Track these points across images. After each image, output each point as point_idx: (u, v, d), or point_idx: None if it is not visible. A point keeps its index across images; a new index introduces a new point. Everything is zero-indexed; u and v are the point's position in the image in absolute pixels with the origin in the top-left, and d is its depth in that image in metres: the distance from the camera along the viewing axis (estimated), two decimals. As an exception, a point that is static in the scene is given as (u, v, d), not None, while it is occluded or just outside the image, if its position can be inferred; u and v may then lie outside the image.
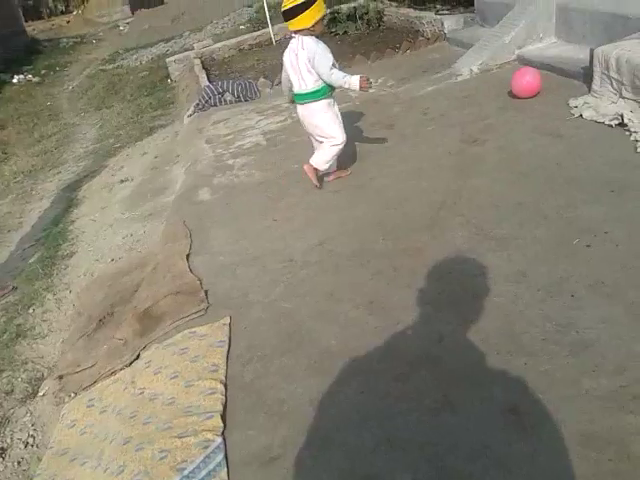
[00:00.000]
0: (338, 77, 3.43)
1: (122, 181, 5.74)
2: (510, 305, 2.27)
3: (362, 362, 2.21)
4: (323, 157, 3.69)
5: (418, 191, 3.42)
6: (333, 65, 3.46)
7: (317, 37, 3.49)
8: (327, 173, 3.88)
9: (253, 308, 2.72)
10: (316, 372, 2.21)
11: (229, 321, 2.67)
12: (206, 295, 2.90)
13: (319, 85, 3.53)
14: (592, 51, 4.00)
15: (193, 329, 2.71)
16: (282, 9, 3.43)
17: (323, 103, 3.58)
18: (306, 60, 3.46)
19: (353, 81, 3.39)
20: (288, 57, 3.58)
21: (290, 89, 3.73)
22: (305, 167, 3.73)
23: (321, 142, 3.72)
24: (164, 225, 4.05)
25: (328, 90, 3.57)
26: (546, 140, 3.62)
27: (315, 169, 3.70)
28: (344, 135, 3.66)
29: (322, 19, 3.47)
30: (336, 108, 3.70)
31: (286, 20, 3.46)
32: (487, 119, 4.19)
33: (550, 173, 3.20)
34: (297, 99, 3.66)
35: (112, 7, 30.45)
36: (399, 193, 3.47)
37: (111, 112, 9.42)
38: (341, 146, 3.67)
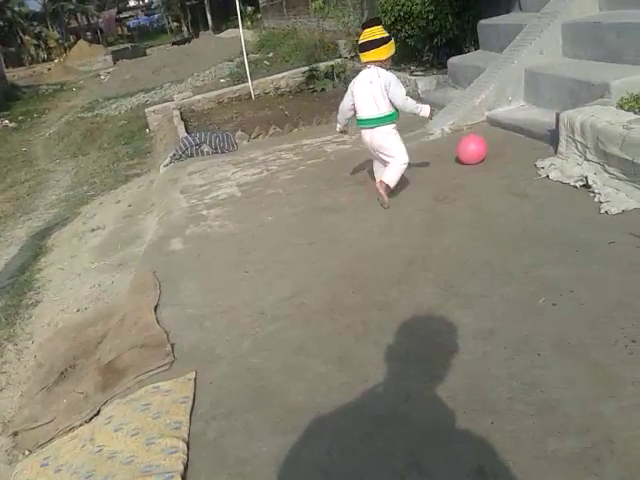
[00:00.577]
0: (412, 104, 4.01)
1: (93, 230, 5.69)
2: (477, 363, 2.27)
3: (329, 420, 2.17)
4: (394, 175, 4.03)
5: (389, 246, 3.46)
6: (407, 93, 4.01)
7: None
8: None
9: (220, 363, 2.67)
10: (281, 430, 2.16)
11: (194, 376, 2.61)
12: (172, 349, 2.84)
13: (391, 110, 3.96)
14: (558, 115, 4.16)
15: (157, 384, 2.64)
16: (361, 41, 3.92)
17: (391, 127, 4.02)
18: (382, 87, 3.88)
19: (425, 109, 4.04)
20: (360, 85, 3.99)
21: (348, 117, 4.22)
22: (377, 184, 4.05)
23: (387, 162, 4.07)
24: (133, 275, 3.99)
25: (397, 115, 4.04)
26: (514, 200, 3.71)
27: (387, 186, 4.00)
28: (407, 155, 4.04)
29: (392, 57, 4.01)
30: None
31: (363, 51, 3.95)
32: (457, 178, 4.29)
33: (517, 232, 3.27)
34: (366, 123, 4.03)
35: (94, 57, 30.91)
36: (370, 247, 3.50)
37: (87, 159, 9.43)
38: (406, 165, 4.05)
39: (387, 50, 3.90)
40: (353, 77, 8.67)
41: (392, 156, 4.03)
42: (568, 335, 2.32)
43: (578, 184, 3.69)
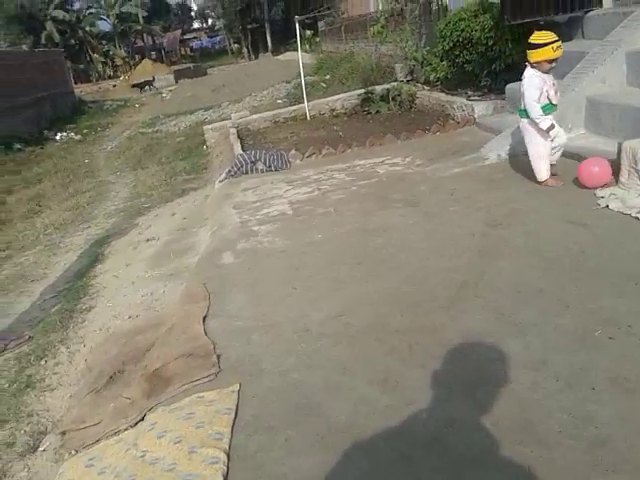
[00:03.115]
0: (535, 112, 4.27)
1: (148, 240, 5.85)
2: (527, 393, 2.20)
3: (370, 441, 2.14)
4: (534, 165, 4.45)
5: (439, 269, 3.41)
6: (536, 100, 4.26)
7: (539, 72, 4.29)
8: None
9: (264, 377, 2.68)
10: (322, 448, 2.14)
11: (238, 388, 2.62)
12: (218, 360, 2.87)
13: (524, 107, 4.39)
14: (620, 145, 4.05)
15: (201, 394, 2.67)
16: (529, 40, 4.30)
17: (527, 121, 4.39)
18: (522, 86, 4.37)
19: (546, 122, 4.26)
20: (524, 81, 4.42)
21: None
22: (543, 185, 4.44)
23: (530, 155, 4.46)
24: (184, 286, 4.07)
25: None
26: (571, 228, 3.61)
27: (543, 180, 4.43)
28: (547, 142, 4.37)
29: (548, 62, 4.25)
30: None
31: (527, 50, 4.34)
32: (512, 203, 4.21)
33: (574, 261, 3.17)
34: (518, 113, 4.52)
35: (157, 75, 32.02)
36: (419, 270, 3.46)
37: (146, 173, 9.74)
38: (545, 159, 4.40)
39: (537, 54, 4.24)
40: (409, 101, 8.70)
41: (529, 146, 4.45)
42: (625, 371, 2.22)
43: (639, 216, 3.56)
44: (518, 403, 2.16)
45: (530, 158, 4.49)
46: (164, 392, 2.83)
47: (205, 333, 3.17)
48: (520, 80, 4.39)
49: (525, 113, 4.40)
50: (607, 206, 3.80)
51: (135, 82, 30.73)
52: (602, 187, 4.15)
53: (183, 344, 3.14)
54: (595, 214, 3.74)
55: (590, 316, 2.63)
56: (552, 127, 4.29)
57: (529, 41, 4.30)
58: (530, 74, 4.33)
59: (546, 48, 4.21)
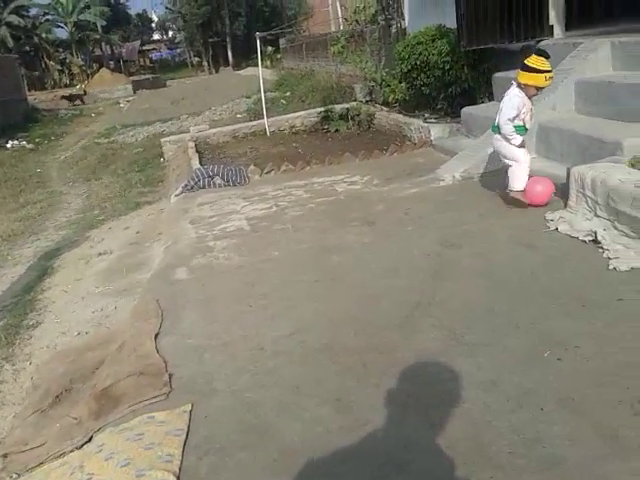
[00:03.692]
0: (508, 128, 4.41)
1: (100, 254, 5.71)
2: (479, 414, 2.23)
3: (324, 463, 2.12)
4: (513, 177, 4.48)
5: (393, 289, 3.44)
6: (511, 119, 4.38)
7: (523, 94, 4.38)
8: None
9: (217, 396, 2.64)
10: (275, 471, 2.11)
11: (190, 408, 2.57)
12: (170, 379, 2.81)
13: None
14: (569, 170, 4.18)
15: (152, 414, 2.60)
16: (523, 61, 4.37)
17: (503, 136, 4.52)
18: (502, 102, 4.48)
19: (518, 138, 4.44)
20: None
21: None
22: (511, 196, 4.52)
23: (510, 165, 4.52)
24: (136, 302, 3.98)
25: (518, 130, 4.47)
26: (522, 250, 3.70)
27: (515, 192, 4.48)
28: (526, 156, 4.50)
29: (535, 89, 4.37)
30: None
31: (520, 70, 4.41)
32: (466, 225, 4.30)
33: (524, 283, 3.25)
34: (493, 129, 4.65)
35: (115, 85, 31.58)
36: (375, 289, 3.48)
37: (100, 184, 9.54)
38: (524, 165, 4.45)
39: (524, 77, 4.34)
40: (368, 121, 8.84)
41: (510, 159, 4.53)
42: (572, 391, 2.27)
43: (587, 239, 3.68)
44: (471, 423, 2.18)
45: (510, 168, 4.52)
46: (113, 412, 2.75)
47: (157, 351, 3.10)
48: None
49: (498, 129, 4.52)
50: (556, 229, 3.92)
51: (64, 94, 30.00)
52: (545, 204, 4.36)
53: (134, 362, 3.06)
54: (545, 237, 3.85)
55: (539, 337, 2.69)
56: (523, 145, 4.48)
57: (526, 63, 4.33)
58: (514, 93, 4.41)
59: (540, 75, 4.28)
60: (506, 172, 4.63)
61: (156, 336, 3.28)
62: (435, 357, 2.66)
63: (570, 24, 6.98)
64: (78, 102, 29.00)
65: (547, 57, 4.35)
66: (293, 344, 2.98)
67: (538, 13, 6.62)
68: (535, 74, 4.29)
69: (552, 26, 6.71)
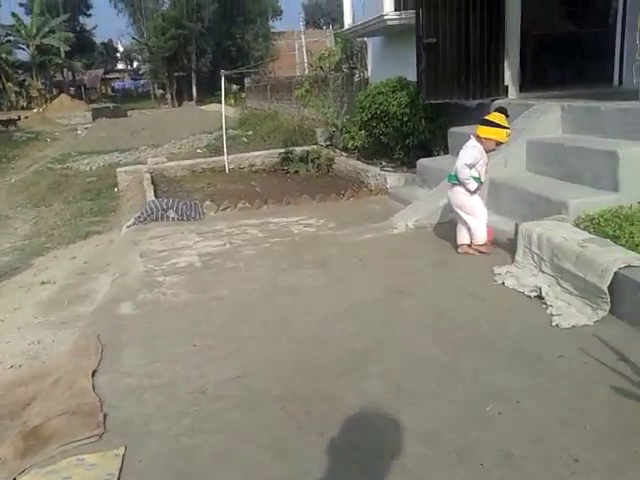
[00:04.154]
0: (465, 173, 4.54)
1: (43, 283, 5.51)
2: (419, 468, 2.20)
3: (259, 515, 2.05)
4: (476, 233, 4.60)
5: (343, 334, 3.42)
6: (469, 165, 4.53)
7: (481, 147, 4.58)
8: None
9: (153, 440, 2.53)
10: (207, 522, 2.02)
11: (123, 452, 2.45)
12: (104, 419, 2.69)
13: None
14: (517, 226, 4.32)
15: (82, 456, 2.47)
16: (485, 117, 4.63)
17: (460, 187, 4.63)
18: (461, 153, 4.63)
19: (473, 184, 4.56)
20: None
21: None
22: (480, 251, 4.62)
23: (466, 221, 4.62)
24: (76, 336, 3.83)
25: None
26: (470, 302, 3.77)
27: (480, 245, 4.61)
28: (484, 209, 4.65)
29: (495, 144, 4.59)
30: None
31: (478, 125, 4.63)
32: (417, 273, 4.35)
33: (470, 335, 3.29)
34: (448, 179, 4.76)
35: (74, 111, 31.19)
36: (324, 333, 3.46)
37: (49, 211, 9.30)
38: (483, 219, 4.60)
39: (487, 132, 4.55)
40: (327, 165, 8.99)
41: (469, 214, 4.61)
42: (512, 447, 2.28)
43: (532, 294, 3.77)
44: (411, 477, 2.16)
45: (467, 223, 4.63)
46: (41, 452, 2.59)
47: (93, 389, 2.97)
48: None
49: (455, 178, 4.64)
50: (503, 283, 4.01)
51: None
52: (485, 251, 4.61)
53: (68, 400, 2.92)
54: (492, 290, 3.93)
55: (482, 389, 2.71)
56: (478, 189, 4.63)
57: (488, 119, 4.57)
58: (473, 144, 4.60)
59: (502, 131, 4.52)
60: (457, 224, 4.74)
61: (94, 373, 3.15)
62: (380, 407, 2.64)
63: (524, 86, 7.34)
64: (12, 127, 28.36)
65: (507, 116, 4.61)
66: (237, 388, 2.91)
67: (494, 73, 6.94)
68: (498, 129, 4.52)
69: (507, 86, 7.02)
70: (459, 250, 4.70)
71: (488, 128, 4.55)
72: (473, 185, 4.58)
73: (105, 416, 2.71)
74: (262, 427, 2.56)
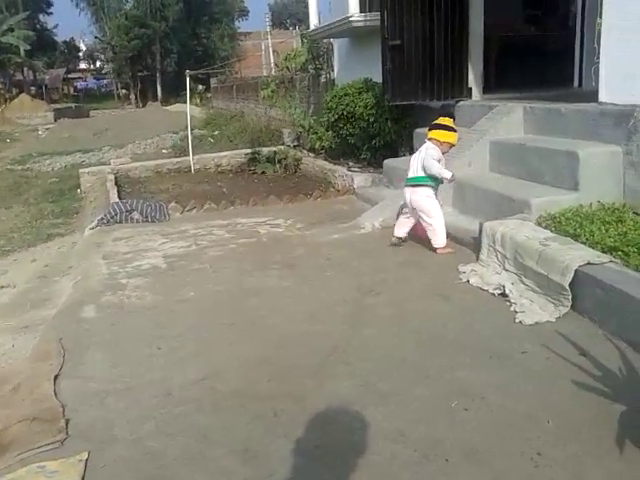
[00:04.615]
0: (436, 167, 4.69)
1: (2, 287, 5.35)
2: (386, 465, 2.21)
3: (226, 518, 2.02)
4: (434, 234, 4.72)
5: (309, 334, 3.42)
6: (435, 159, 4.72)
7: (438, 149, 4.77)
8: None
9: (117, 444, 2.48)
10: (173, 526, 1.99)
11: (86, 457, 2.40)
12: (66, 424, 2.62)
13: (424, 174, 4.77)
14: (481, 224, 4.38)
15: (42, 463, 2.40)
16: (436, 122, 4.83)
17: (427, 189, 4.78)
18: (423, 157, 4.75)
19: (447, 172, 4.72)
20: (415, 153, 4.93)
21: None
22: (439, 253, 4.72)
23: (425, 222, 4.76)
24: (37, 340, 3.74)
25: (431, 181, 4.78)
26: (435, 300, 3.80)
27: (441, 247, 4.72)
28: (440, 211, 4.77)
29: (449, 146, 4.86)
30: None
31: (431, 129, 4.84)
32: (383, 272, 4.37)
33: (436, 333, 3.32)
34: (407, 182, 4.89)
35: (35, 111, 30.45)
36: (291, 334, 3.45)
37: (8, 213, 9.03)
38: (440, 219, 4.73)
39: (445, 135, 4.77)
40: (294, 165, 9.03)
41: (426, 214, 4.73)
42: (477, 442, 2.31)
43: (496, 292, 3.83)
44: (377, 475, 2.16)
45: (430, 225, 4.73)
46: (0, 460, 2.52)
47: (55, 394, 2.90)
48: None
49: (418, 179, 4.78)
50: (468, 281, 4.07)
51: None
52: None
53: (28, 406, 2.84)
54: (457, 288, 3.98)
55: (448, 387, 2.74)
56: (454, 177, 4.80)
57: (443, 123, 4.80)
58: (431, 146, 4.78)
59: (454, 134, 4.82)
60: (399, 218, 5.07)
61: (55, 378, 3.07)
62: (347, 405, 2.64)
63: (487, 87, 7.46)
64: None
65: (454, 119, 4.92)
66: (202, 390, 2.87)
67: (458, 75, 7.04)
68: (452, 133, 4.81)
69: (471, 88, 7.13)
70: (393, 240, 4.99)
71: (446, 132, 4.76)
72: (448, 173, 4.73)
73: (67, 421, 2.65)
74: (228, 429, 2.54)
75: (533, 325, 3.33)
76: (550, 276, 3.52)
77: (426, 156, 4.73)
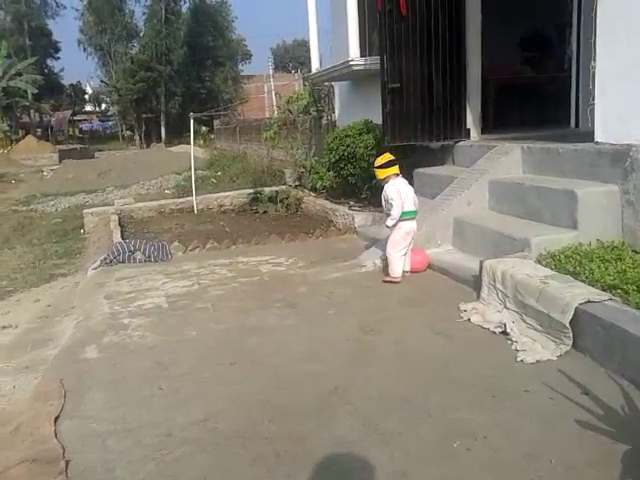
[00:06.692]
0: (397, 212, 5.13)
1: (4, 327, 5.36)
2: (389, 507, 2.19)
3: None
4: (395, 262, 5.13)
5: (311, 374, 3.41)
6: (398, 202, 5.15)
7: (393, 184, 5.25)
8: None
9: (117, 486, 2.46)
10: None
11: (86, 500, 2.38)
12: (66, 466, 2.61)
13: None
14: (481, 263, 4.41)
15: (41, 506, 2.38)
16: (384, 161, 5.29)
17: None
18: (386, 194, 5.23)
19: (391, 221, 5.17)
20: (405, 187, 5.28)
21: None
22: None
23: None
24: (38, 381, 3.73)
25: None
26: (437, 339, 3.80)
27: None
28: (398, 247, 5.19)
29: (394, 175, 5.29)
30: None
31: (388, 167, 5.27)
32: (385, 311, 4.38)
33: (438, 372, 3.31)
34: (413, 215, 5.26)
35: (40, 153, 30.89)
36: (292, 374, 3.44)
37: (12, 254, 9.09)
38: (396, 255, 5.16)
39: (388, 171, 5.28)
40: (296, 205, 9.08)
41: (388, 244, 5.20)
42: (480, 483, 2.29)
43: (497, 330, 3.84)
44: (379, 517, 2.14)
45: (390, 256, 5.13)
46: (-2, 504, 2.50)
47: (55, 436, 2.89)
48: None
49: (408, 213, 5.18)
50: (469, 319, 4.07)
51: None
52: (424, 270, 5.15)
53: (28, 447, 2.83)
54: (458, 326, 3.98)
55: (450, 426, 2.73)
56: (393, 226, 5.18)
57: (384, 162, 5.27)
58: (391, 183, 5.23)
59: (395, 166, 5.29)
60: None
61: (56, 419, 3.06)
62: (349, 446, 2.63)
63: (486, 128, 7.61)
64: None
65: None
66: (204, 431, 2.86)
67: (457, 117, 7.19)
68: (394, 165, 5.30)
69: (469, 129, 7.27)
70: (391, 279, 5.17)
71: (387, 169, 5.26)
72: (390, 222, 5.19)
73: (67, 463, 2.63)
74: (229, 471, 2.52)
75: (535, 364, 3.32)
76: (551, 314, 3.53)
77: (389, 198, 5.20)
